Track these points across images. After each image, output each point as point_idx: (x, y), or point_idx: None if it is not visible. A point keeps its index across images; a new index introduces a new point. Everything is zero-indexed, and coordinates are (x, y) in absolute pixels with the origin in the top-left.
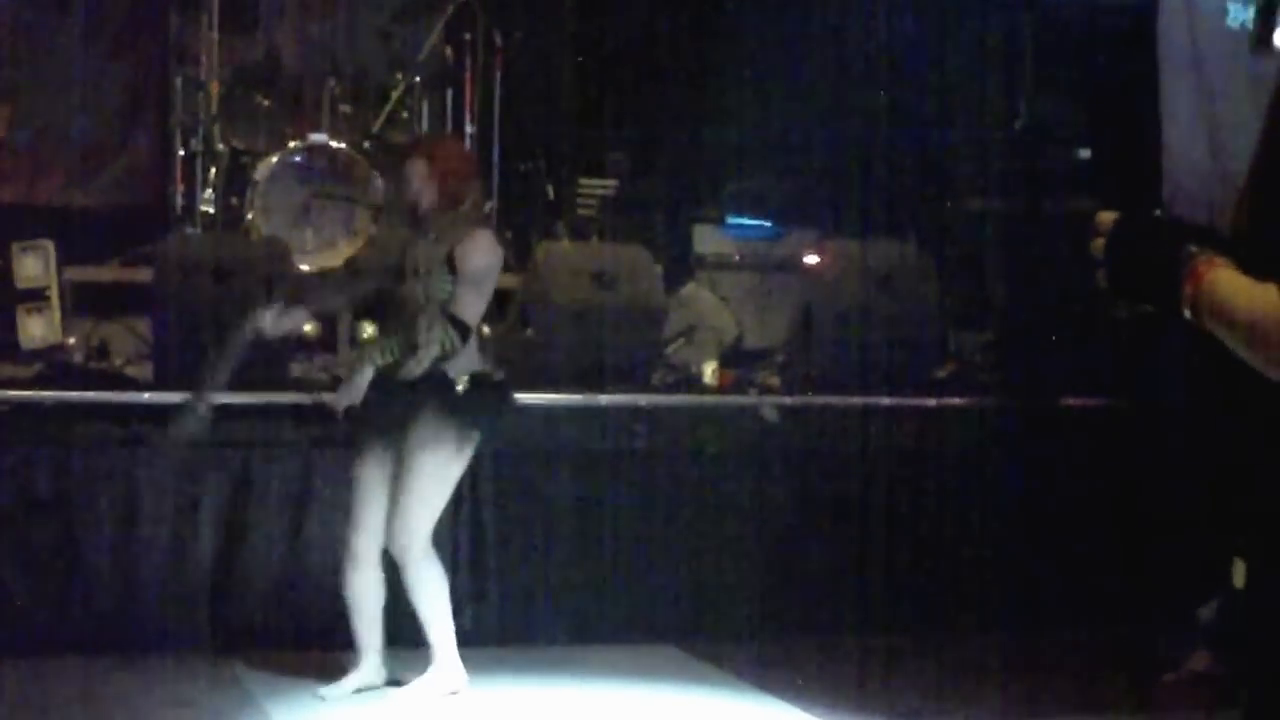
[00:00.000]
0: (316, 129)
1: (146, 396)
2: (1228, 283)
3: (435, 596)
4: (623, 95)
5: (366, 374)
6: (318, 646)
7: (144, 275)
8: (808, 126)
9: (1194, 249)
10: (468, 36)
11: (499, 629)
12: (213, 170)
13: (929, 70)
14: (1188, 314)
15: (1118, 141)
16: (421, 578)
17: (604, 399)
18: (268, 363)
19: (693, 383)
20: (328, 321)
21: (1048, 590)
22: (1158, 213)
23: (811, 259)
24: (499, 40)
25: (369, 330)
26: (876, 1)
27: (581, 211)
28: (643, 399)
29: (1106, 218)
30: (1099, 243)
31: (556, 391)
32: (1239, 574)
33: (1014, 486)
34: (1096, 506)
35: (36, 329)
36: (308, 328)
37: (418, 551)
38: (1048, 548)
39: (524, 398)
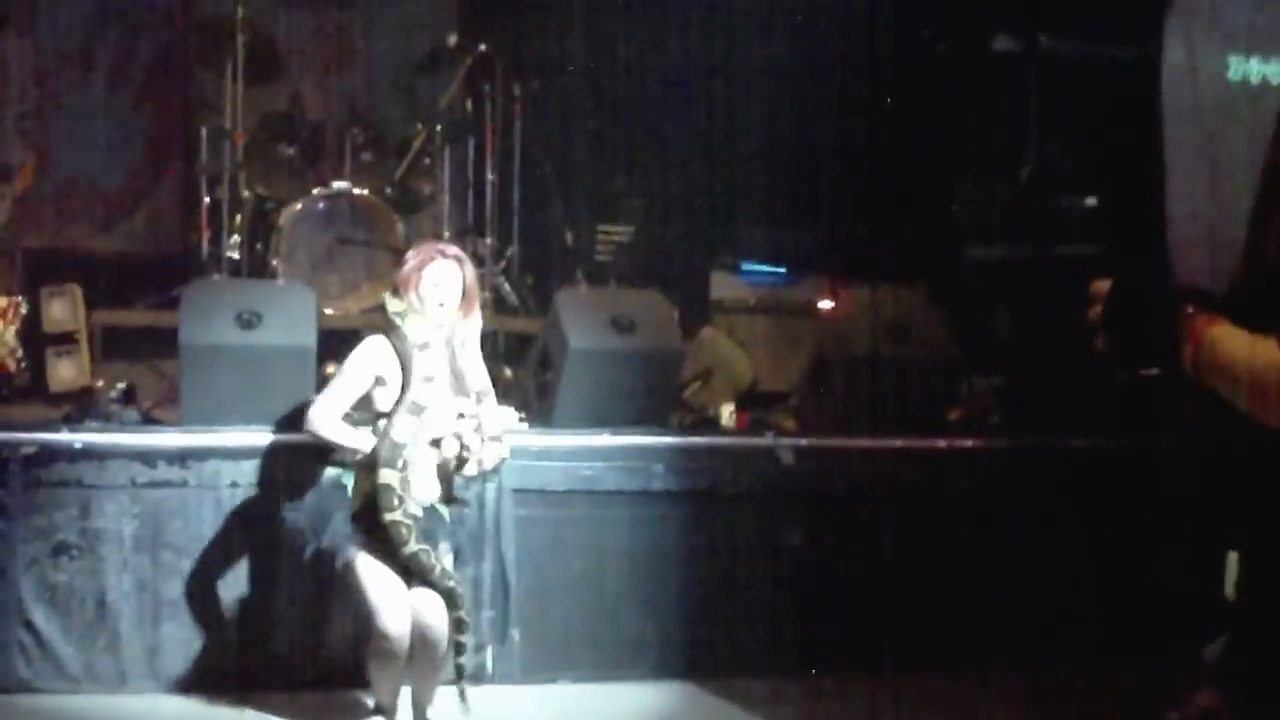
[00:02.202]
0: (339, 176)
1: (173, 438)
2: (1227, 338)
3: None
4: (640, 143)
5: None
6: (334, 686)
7: (170, 319)
8: (821, 175)
9: (1190, 309)
10: (487, 87)
11: (519, 668)
12: (237, 217)
13: (939, 121)
14: (1189, 371)
15: (1123, 189)
16: None
17: (622, 440)
18: (289, 402)
19: (710, 424)
20: None
21: (1058, 629)
22: (1151, 275)
23: (825, 304)
24: (518, 90)
25: None
26: (887, 53)
27: (600, 258)
28: (660, 440)
29: (1102, 286)
30: (1097, 310)
31: (575, 432)
32: (1231, 574)
33: (1024, 526)
34: (1105, 546)
35: (65, 371)
36: (333, 369)
37: None
38: (1057, 586)
39: (543, 438)
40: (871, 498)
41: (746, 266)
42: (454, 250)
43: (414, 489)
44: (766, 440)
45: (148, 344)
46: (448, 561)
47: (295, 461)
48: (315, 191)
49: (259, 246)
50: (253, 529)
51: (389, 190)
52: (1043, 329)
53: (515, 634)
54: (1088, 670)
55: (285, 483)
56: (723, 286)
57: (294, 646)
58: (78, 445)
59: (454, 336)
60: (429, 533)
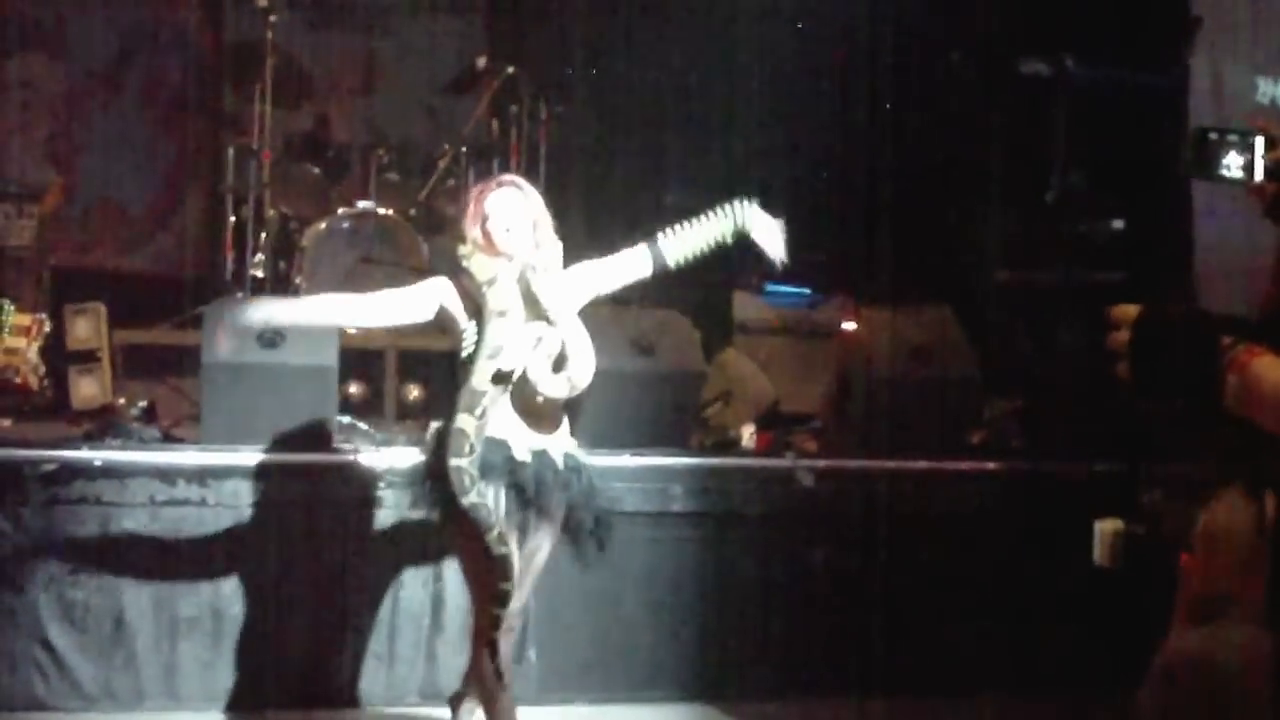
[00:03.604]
0: (363, 197)
1: (193, 457)
2: (1275, 371)
3: None
4: (664, 164)
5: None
6: (350, 704)
7: (193, 339)
8: (847, 197)
9: (1229, 339)
10: (513, 108)
11: (535, 688)
12: (262, 236)
13: (966, 143)
14: (1228, 404)
15: (1149, 214)
16: None
17: (641, 461)
18: (310, 422)
19: (730, 445)
20: (372, 383)
21: (1084, 654)
22: (1182, 303)
23: (848, 325)
24: (544, 111)
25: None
26: (915, 76)
27: None
28: (680, 461)
29: (1126, 311)
30: (1120, 336)
31: (595, 454)
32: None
33: (1046, 549)
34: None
35: (87, 389)
36: (354, 389)
37: None
38: (1081, 610)
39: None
40: (893, 520)
41: (770, 287)
42: (511, 177)
43: (508, 434)
44: (787, 462)
45: (170, 363)
46: (550, 528)
47: (316, 481)
48: (340, 211)
49: (282, 265)
50: (272, 548)
51: (413, 211)
52: (1066, 353)
53: (532, 654)
54: (1116, 695)
55: (305, 502)
56: (746, 307)
57: (311, 665)
58: (98, 463)
59: (528, 265)
60: (538, 479)
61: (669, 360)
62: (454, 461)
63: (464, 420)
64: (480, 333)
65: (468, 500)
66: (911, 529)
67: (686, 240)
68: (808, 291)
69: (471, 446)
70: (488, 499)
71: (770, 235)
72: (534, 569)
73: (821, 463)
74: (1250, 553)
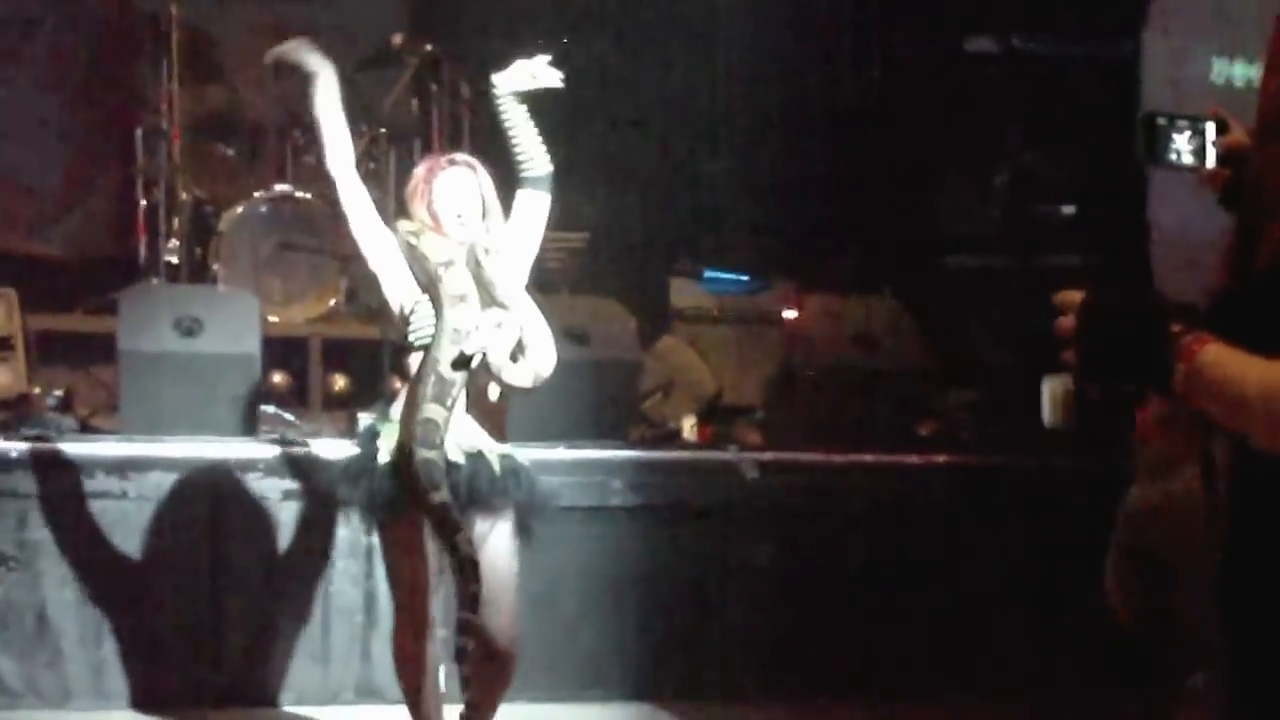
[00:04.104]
0: (281, 179)
1: (113, 448)
2: (1226, 360)
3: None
4: (593, 145)
5: None
6: (284, 703)
7: (109, 325)
8: (787, 177)
9: (1178, 327)
10: (434, 87)
11: None
12: (176, 220)
13: (912, 122)
14: (1177, 392)
15: (1103, 196)
16: None
17: (578, 454)
18: (233, 411)
19: (670, 438)
20: (296, 372)
21: (1034, 653)
22: (1128, 287)
23: (790, 313)
24: (466, 92)
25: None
26: (858, 54)
27: (550, 264)
28: (619, 454)
29: (1071, 297)
30: (1066, 322)
31: (529, 447)
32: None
33: (998, 546)
34: (1082, 567)
35: (2, 378)
36: (278, 378)
37: None
38: (1036, 608)
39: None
40: (840, 514)
41: (708, 274)
42: (464, 156)
43: (459, 431)
44: (730, 455)
45: (86, 350)
46: (502, 533)
47: (241, 473)
48: (256, 195)
49: (198, 251)
50: (196, 542)
51: (328, 193)
52: (1020, 341)
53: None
54: (1070, 694)
55: (230, 495)
56: (683, 294)
57: (243, 662)
58: (14, 454)
59: (479, 248)
60: (471, 485)
61: (604, 349)
62: (424, 454)
63: (433, 410)
64: (437, 315)
65: (438, 497)
66: (859, 524)
67: (529, 148)
68: (747, 278)
69: (442, 439)
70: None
71: (537, 73)
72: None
73: (766, 455)
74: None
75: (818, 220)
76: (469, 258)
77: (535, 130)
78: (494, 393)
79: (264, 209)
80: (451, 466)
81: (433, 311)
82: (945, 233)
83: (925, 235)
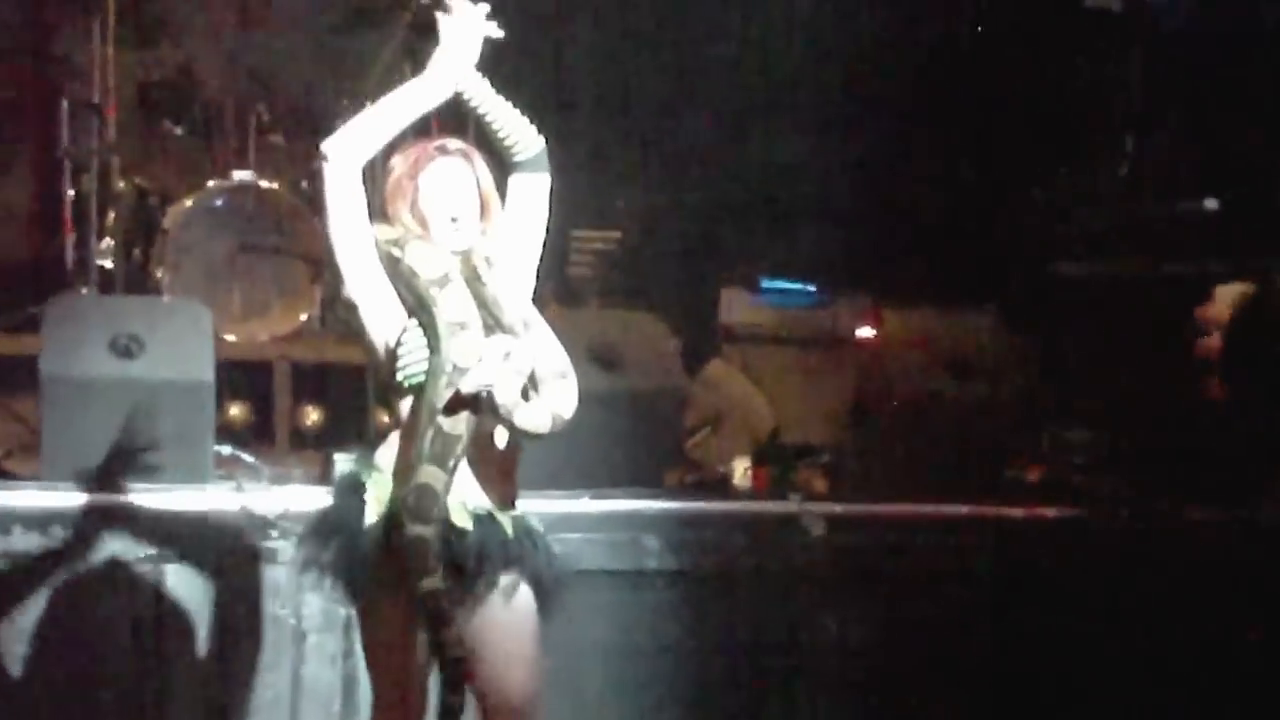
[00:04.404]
0: (242, 166)
1: (32, 497)
2: None
3: None
4: (632, 125)
5: None
6: None
7: (29, 345)
8: (863, 165)
9: None
10: (432, 47)
11: None
12: (111, 216)
13: (1016, 98)
14: None
15: (1251, 189)
16: None
17: (606, 506)
18: (180, 452)
19: (719, 485)
20: (260, 403)
21: None
22: None
23: (866, 332)
24: None
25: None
26: (950, 16)
27: (575, 270)
28: (655, 505)
29: (1216, 313)
30: (1211, 342)
31: (545, 497)
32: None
33: (1118, 615)
34: (1224, 636)
35: None
36: (236, 411)
37: None
38: (1158, 686)
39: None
40: (925, 580)
41: (767, 284)
42: (457, 144)
43: (464, 490)
44: (791, 506)
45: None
46: (520, 597)
47: (189, 528)
48: (211, 184)
49: (138, 253)
50: (135, 612)
51: (306, 184)
52: (1147, 367)
53: None
54: None
55: (177, 555)
56: (736, 308)
57: None
58: None
59: (479, 258)
60: (480, 554)
61: (639, 375)
62: (416, 530)
63: (431, 474)
64: (432, 348)
65: (429, 584)
66: (949, 591)
67: (510, 125)
68: (813, 289)
69: (440, 510)
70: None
71: (469, 24)
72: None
73: (835, 507)
74: None
75: (900, 217)
76: (467, 271)
77: (508, 104)
78: (501, 439)
79: (219, 202)
80: (455, 534)
81: (425, 342)
82: (1057, 233)
83: (1033, 236)
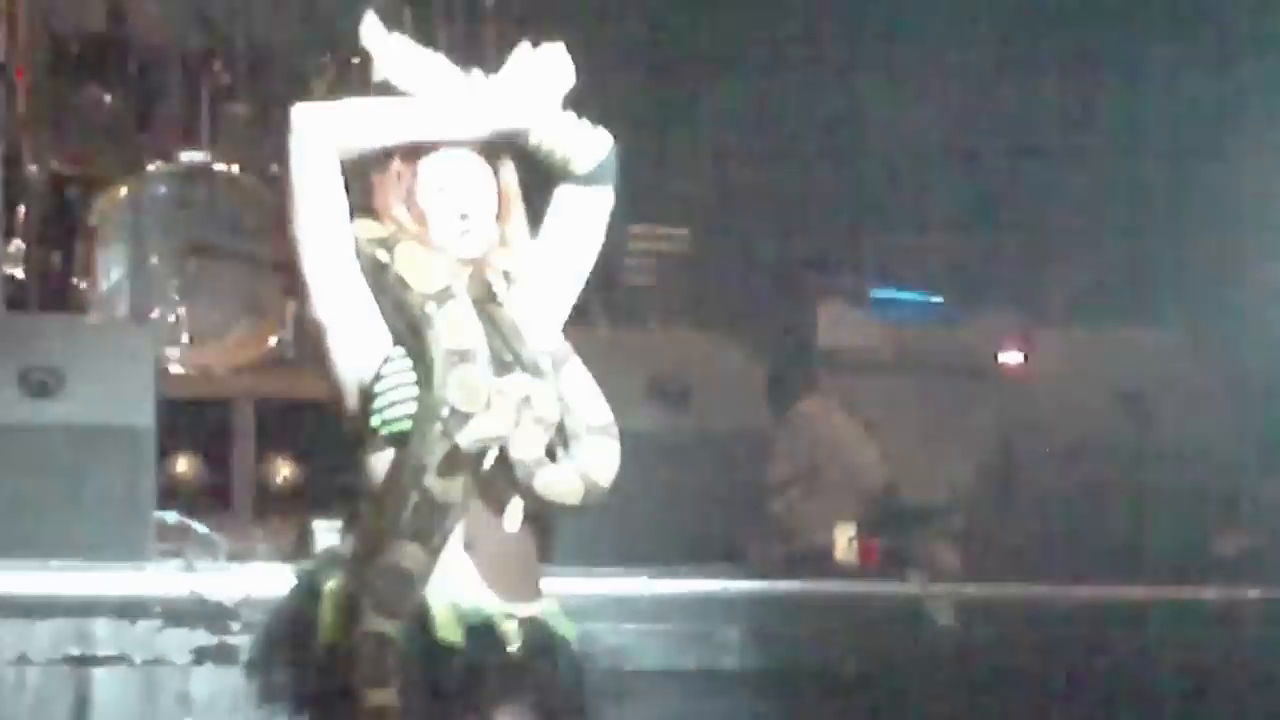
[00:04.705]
0: (194, 144)
1: None
2: None
3: None
4: (696, 87)
5: None
6: None
7: None
8: (1003, 145)
9: None
10: None
11: None
12: (21, 208)
13: (1197, 64)
14: None
15: None
16: None
17: (671, 586)
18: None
19: (815, 560)
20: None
21: None
22: None
23: (1012, 357)
24: None
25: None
26: None
27: (632, 279)
28: (734, 587)
29: None
30: None
31: (592, 576)
32: None
33: None
34: None
35: None
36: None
37: None
38: None
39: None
40: (1092, 682)
41: (878, 293)
42: None
43: (456, 583)
44: (912, 588)
45: None
46: None
47: (126, 619)
48: (151, 169)
49: (56, 259)
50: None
51: (276, 167)
52: None
53: None
54: None
55: (106, 659)
56: (839, 326)
57: None
58: None
59: (493, 272)
60: (475, 677)
61: (712, 416)
62: (376, 625)
63: (409, 554)
64: (422, 384)
65: (378, 699)
66: (1118, 696)
67: (566, 137)
68: (940, 300)
69: (413, 603)
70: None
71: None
72: None
73: (968, 589)
74: None
75: (1054, 210)
76: (477, 288)
77: (565, 117)
78: (515, 516)
79: (164, 190)
80: (438, 648)
81: (414, 377)
82: (1265, 230)
83: (1226, 234)
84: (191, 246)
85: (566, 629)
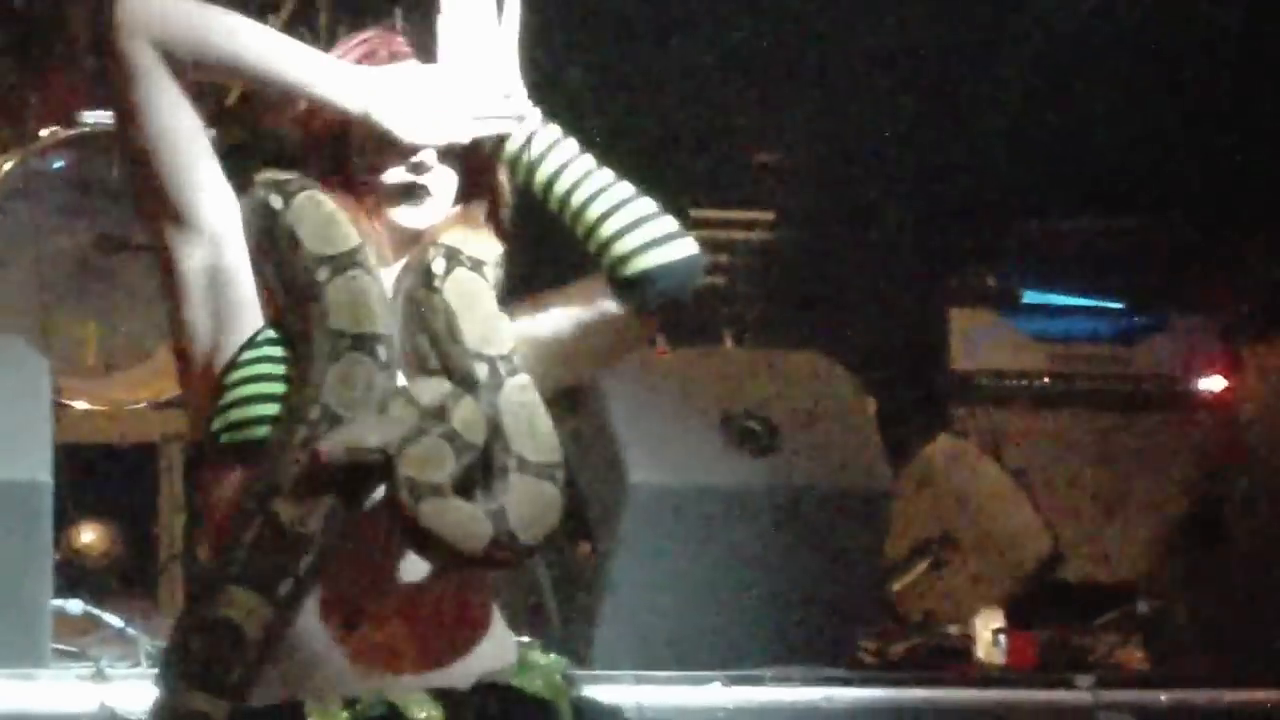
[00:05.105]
0: (95, 105)
1: None
2: None
3: None
4: (788, 46)
5: None
6: None
7: None
8: (1191, 115)
9: None
10: None
11: None
12: None
13: None
14: None
15: None
16: None
17: (758, 694)
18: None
19: (950, 658)
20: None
21: None
22: None
23: (1213, 383)
24: None
25: None
26: None
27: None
28: (841, 694)
29: None
30: None
31: (649, 679)
32: None
33: None
34: None
35: None
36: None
37: None
38: None
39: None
40: None
41: (1031, 296)
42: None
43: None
44: (1083, 695)
45: None
46: None
47: None
48: (44, 134)
49: None
50: None
51: (213, 132)
52: None
53: None
54: None
55: None
56: (982, 342)
57: None
58: None
59: (439, 249)
60: None
61: (808, 463)
62: (195, 703)
63: (240, 603)
64: (297, 376)
65: None
66: None
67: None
68: (1119, 306)
69: (244, 674)
70: None
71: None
72: None
73: (1160, 696)
74: None
75: (1261, 197)
76: (415, 271)
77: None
78: (416, 560)
79: (60, 164)
80: None
81: (282, 369)
82: None
83: None
84: (98, 239)
85: (549, 687)
